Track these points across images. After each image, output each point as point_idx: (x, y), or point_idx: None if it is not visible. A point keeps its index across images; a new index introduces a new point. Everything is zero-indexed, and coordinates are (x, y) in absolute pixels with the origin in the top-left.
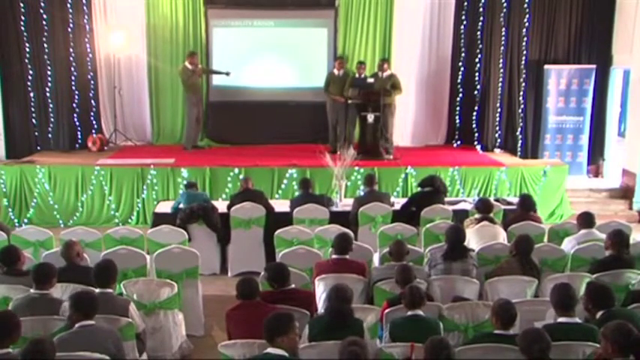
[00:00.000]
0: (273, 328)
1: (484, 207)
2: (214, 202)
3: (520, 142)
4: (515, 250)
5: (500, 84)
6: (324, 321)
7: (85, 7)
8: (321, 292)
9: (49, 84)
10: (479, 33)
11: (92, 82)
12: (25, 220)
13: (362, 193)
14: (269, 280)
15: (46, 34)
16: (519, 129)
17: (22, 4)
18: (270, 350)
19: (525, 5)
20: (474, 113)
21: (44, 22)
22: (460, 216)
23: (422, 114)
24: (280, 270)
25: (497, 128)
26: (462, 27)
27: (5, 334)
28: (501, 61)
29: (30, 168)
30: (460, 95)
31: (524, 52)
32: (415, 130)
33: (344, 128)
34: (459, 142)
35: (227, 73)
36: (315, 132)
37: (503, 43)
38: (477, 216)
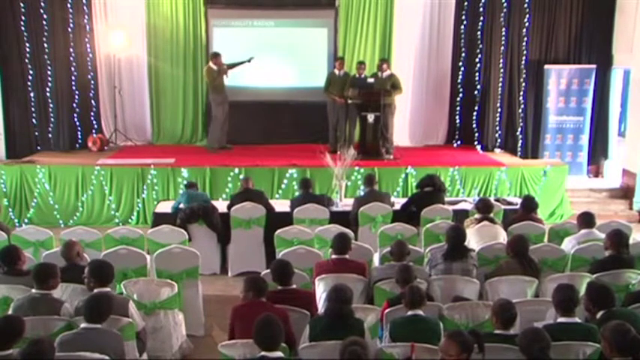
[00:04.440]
0: (269, 343)
1: (484, 207)
2: (214, 202)
3: (520, 142)
4: (512, 252)
5: (500, 84)
6: (324, 321)
7: (85, 7)
8: (321, 292)
9: (49, 84)
10: (479, 33)
11: (92, 82)
12: (25, 220)
13: (362, 193)
14: (272, 276)
15: (46, 34)
16: (519, 129)
17: (22, 4)
18: (267, 354)
19: (525, 5)
20: (474, 113)
21: (44, 22)
22: (460, 216)
23: (422, 114)
24: (284, 268)
25: (498, 128)
26: (462, 27)
27: (10, 338)
28: (501, 61)
29: (30, 168)
30: (460, 95)
31: (524, 52)
32: (415, 130)
33: (344, 128)
34: (459, 142)
35: (249, 60)
36: (315, 132)
37: (503, 43)
38: (477, 216)
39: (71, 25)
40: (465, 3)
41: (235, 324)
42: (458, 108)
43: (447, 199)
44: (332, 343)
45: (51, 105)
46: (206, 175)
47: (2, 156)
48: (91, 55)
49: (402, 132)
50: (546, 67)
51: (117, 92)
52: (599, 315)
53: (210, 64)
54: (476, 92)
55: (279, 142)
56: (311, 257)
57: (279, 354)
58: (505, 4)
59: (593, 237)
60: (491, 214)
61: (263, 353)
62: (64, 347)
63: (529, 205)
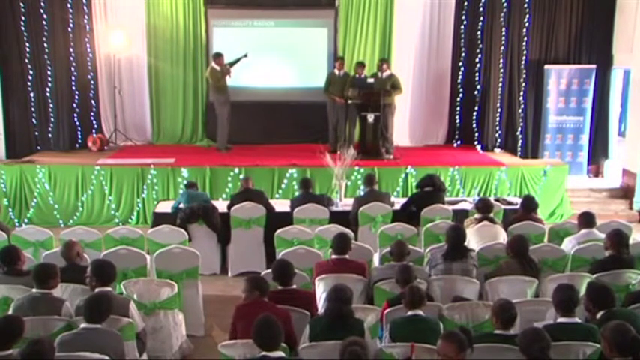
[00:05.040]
0: (268, 343)
1: (484, 207)
2: (214, 202)
3: (520, 142)
4: (512, 252)
5: (500, 84)
6: (324, 321)
7: (85, 7)
8: (321, 292)
9: (49, 84)
10: (479, 33)
11: (92, 82)
12: (25, 220)
13: (362, 193)
14: (273, 276)
15: (46, 34)
16: (519, 129)
17: (22, 4)
18: (268, 354)
19: (525, 5)
20: (474, 113)
21: (44, 22)
22: (460, 216)
23: (422, 114)
24: (285, 268)
25: (497, 128)
26: (462, 27)
27: (10, 338)
28: (501, 61)
29: (30, 168)
30: (460, 95)
31: (524, 52)
32: (415, 130)
33: (344, 128)
34: (459, 142)
35: (245, 55)
36: (315, 132)
37: (503, 43)
38: (476, 216)
39: (71, 25)
40: (465, 3)
41: (238, 323)
42: (458, 108)
43: (447, 199)
44: (332, 343)
45: (51, 105)
46: (206, 175)
47: (2, 156)
48: (91, 55)
49: (402, 132)
50: (546, 67)
51: (117, 92)
52: (599, 315)
53: (213, 64)
54: (476, 92)
55: (279, 142)
56: (311, 257)
57: (280, 354)
58: (505, 4)
59: (593, 237)
60: (492, 214)
61: (264, 353)
62: (64, 347)
63: (529, 205)
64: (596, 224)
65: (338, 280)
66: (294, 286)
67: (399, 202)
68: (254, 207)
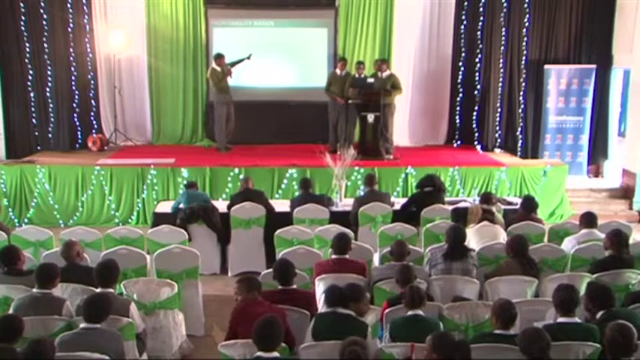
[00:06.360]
0: (267, 343)
1: (484, 199)
2: (214, 202)
3: (520, 142)
4: (512, 252)
5: (500, 84)
6: (328, 320)
7: (85, 7)
8: (321, 292)
9: (49, 84)
10: (479, 33)
11: (92, 82)
12: (25, 220)
13: (362, 193)
14: (274, 275)
15: (46, 34)
16: (519, 129)
17: (22, 4)
18: (262, 354)
19: (525, 5)
20: (474, 113)
21: (44, 22)
22: (460, 216)
23: (422, 114)
24: (287, 268)
25: (497, 128)
26: (462, 27)
27: (9, 337)
28: (501, 61)
29: (30, 168)
30: (460, 95)
31: (524, 52)
32: (415, 130)
33: (344, 128)
34: (459, 142)
35: (248, 57)
36: (315, 132)
37: (503, 43)
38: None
39: (71, 25)
40: (465, 3)
41: (239, 324)
42: (458, 108)
43: (447, 199)
44: (332, 343)
45: (51, 105)
46: (206, 175)
47: (2, 156)
48: (91, 55)
49: (402, 132)
50: (546, 67)
51: (117, 92)
52: (599, 315)
53: (214, 65)
54: (476, 92)
55: (279, 142)
56: (311, 257)
57: (275, 354)
58: (505, 4)
59: (593, 237)
60: (492, 207)
61: (259, 353)
62: (64, 347)
63: (529, 205)
64: (597, 225)
65: (338, 280)
66: (295, 286)
67: (399, 202)
68: (254, 207)
